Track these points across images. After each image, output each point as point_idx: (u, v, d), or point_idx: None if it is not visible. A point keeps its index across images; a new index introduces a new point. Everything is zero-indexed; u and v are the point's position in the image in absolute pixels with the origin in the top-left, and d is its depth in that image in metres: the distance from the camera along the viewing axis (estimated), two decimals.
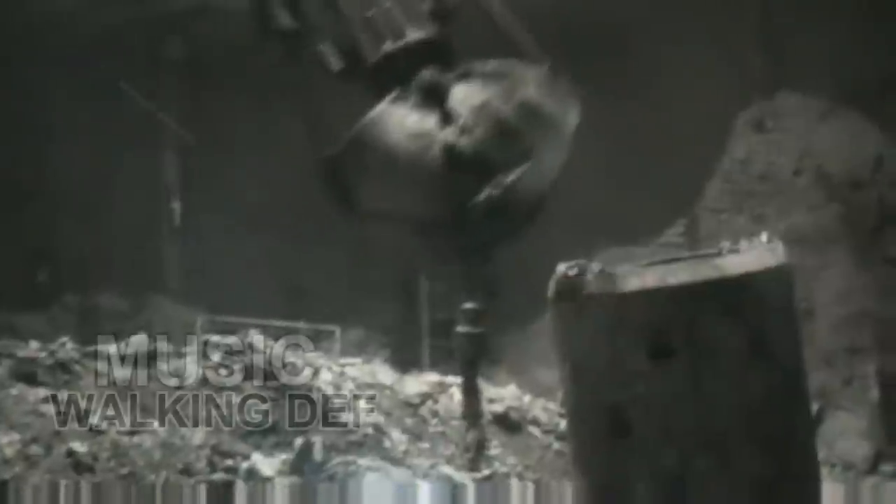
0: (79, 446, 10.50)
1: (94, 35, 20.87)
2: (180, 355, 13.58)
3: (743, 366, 5.98)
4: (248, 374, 12.71)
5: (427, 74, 8.76)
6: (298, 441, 10.03)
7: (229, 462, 10.61)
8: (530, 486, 9.56)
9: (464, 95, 8.64)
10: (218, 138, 22.26)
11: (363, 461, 9.70)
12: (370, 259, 21.00)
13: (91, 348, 13.31)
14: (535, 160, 8.40)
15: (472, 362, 11.67)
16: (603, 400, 6.06)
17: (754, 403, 6.00)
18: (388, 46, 9.08)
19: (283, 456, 10.05)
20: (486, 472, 11.46)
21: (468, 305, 11.63)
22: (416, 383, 13.44)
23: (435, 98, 8.65)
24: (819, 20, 18.37)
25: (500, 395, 14.13)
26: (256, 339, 13.66)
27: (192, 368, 12.93)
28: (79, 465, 10.30)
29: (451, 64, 8.62)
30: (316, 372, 12.74)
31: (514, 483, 10.63)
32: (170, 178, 23.01)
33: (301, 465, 9.56)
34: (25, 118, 21.29)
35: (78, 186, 21.79)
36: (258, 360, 12.89)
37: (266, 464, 9.50)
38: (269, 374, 12.64)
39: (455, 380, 12.98)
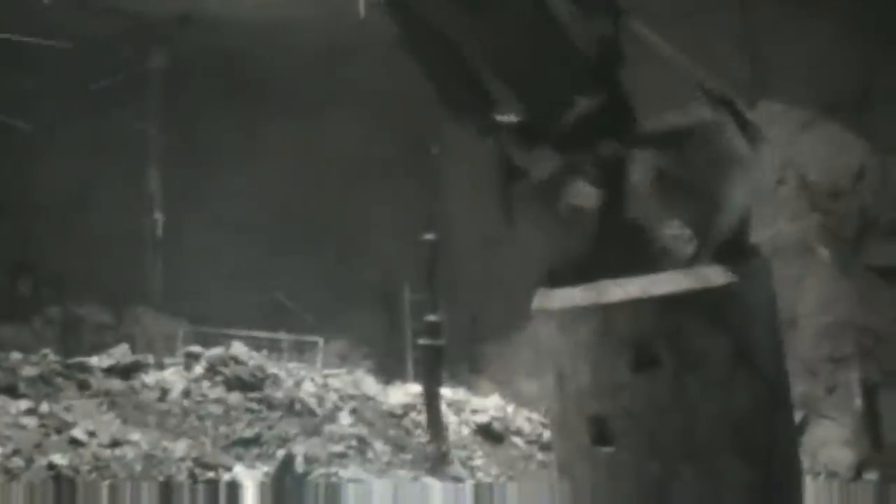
0: (60, 459, 10.45)
1: (78, 45, 20.81)
2: (163, 367, 13.54)
3: (726, 375, 5.97)
4: (231, 385, 12.67)
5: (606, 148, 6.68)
6: (281, 452, 10.01)
7: (211, 474, 10.58)
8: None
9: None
10: (201, 149, 22.23)
11: (345, 473, 9.68)
12: (353, 270, 20.98)
13: (73, 360, 13.27)
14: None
15: (433, 373, 11.68)
16: (587, 410, 6.05)
17: (738, 413, 6.00)
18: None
19: (266, 468, 10.02)
20: (470, 482, 11.45)
21: (428, 318, 11.64)
22: (399, 394, 13.43)
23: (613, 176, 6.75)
24: (801, 31, 18.42)
25: (484, 405, 14.13)
26: (239, 350, 13.63)
27: (174, 380, 12.90)
28: (60, 478, 10.26)
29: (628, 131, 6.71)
30: (299, 383, 12.71)
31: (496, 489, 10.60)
32: (152, 190, 22.96)
33: (283, 476, 9.53)
34: (7, 129, 21.23)
35: (60, 197, 21.74)
36: (241, 371, 12.85)
37: (248, 475, 9.46)
38: (251, 386, 12.61)
39: (440, 391, 12.98)
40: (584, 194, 6.18)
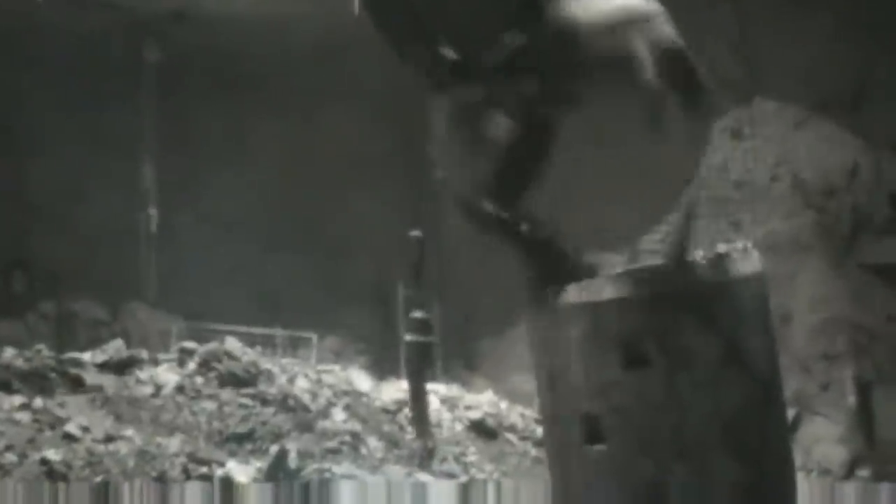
0: (53, 454, 10.45)
1: (72, 41, 20.81)
2: (157, 362, 13.54)
3: (718, 374, 5.99)
4: (224, 380, 12.67)
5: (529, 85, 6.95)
6: (274, 448, 10.01)
7: (204, 469, 10.58)
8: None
9: None
10: (195, 145, 22.23)
11: (338, 469, 9.69)
12: (347, 266, 20.99)
13: (67, 355, 13.27)
14: None
15: (419, 370, 11.72)
16: (578, 408, 6.06)
17: (730, 411, 6.01)
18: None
19: (259, 463, 10.02)
20: (461, 480, 11.45)
21: (415, 314, 11.68)
22: (392, 390, 13.43)
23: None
24: (795, 28, 18.43)
25: (477, 401, 14.14)
26: (233, 345, 13.63)
27: (168, 375, 12.90)
28: (53, 474, 10.26)
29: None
30: (292, 379, 12.72)
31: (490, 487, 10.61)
32: (146, 186, 22.95)
33: (276, 472, 9.54)
34: (1, 124, 21.22)
35: (54, 192, 21.73)
36: (234, 366, 12.86)
37: (241, 471, 9.47)
38: (245, 381, 12.62)
39: (433, 387, 13.00)
40: (500, 126, 6.38)
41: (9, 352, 13.03)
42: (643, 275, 6.12)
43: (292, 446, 10.16)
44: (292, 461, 9.56)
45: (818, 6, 18.43)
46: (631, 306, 5.94)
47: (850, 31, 18.35)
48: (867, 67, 18.48)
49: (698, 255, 6.15)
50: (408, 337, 11.82)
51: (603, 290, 6.01)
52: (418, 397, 11.81)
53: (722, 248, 6.19)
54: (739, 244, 6.27)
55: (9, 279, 21.55)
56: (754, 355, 6.12)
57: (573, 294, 6.05)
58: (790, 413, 13.88)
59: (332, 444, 10.57)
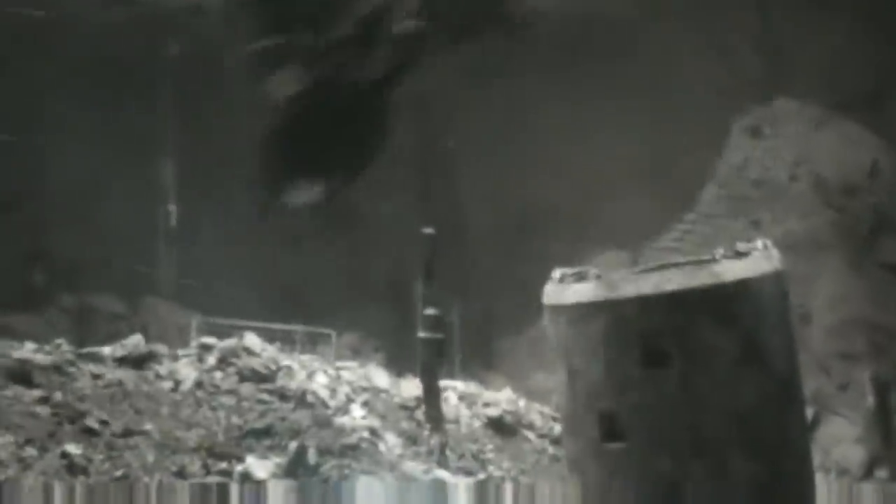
0: (73, 448, 10.48)
1: (93, 35, 20.86)
2: (176, 358, 13.57)
3: (737, 372, 5.98)
4: (244, 376, 12.70)
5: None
6: (293, 444, 10.02)
7: (223, 464, 10.60)
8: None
9: None
10: (215, 140, 22.27)
11: (357, 465, 9.69)
12: (365, 263, 21.03)
13: (87, 350, 13.31)
14: None
15: (432, 367, 11.74)
16: (597, 406, 6.06)
17: (748, 409, 6.00)
18: None
19: (278, 459, 10.03)
20: (478, 477, 11.46)
21: (429, 311, 11.71)
22: (411, 386, 13.42)
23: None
24: (816, 28, 18.42)
25: (496, 398, 14.14)
26: (252, 341, 13.66)
27: (187, 371, 12.93)
28: (73, 467, 10.29)
29: None
30: (311, 375, 12.73)
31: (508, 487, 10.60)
32: (166, 181, 23.00)
33: (295, 468, 9.56)
34: (23, 120, 21.29)
35: (74, 188, 21.79)
36: (253, 362, 12.88)
37: (260, 466, 9.49)
38: (264, 377, 12.64)
39: (451, 383, 13.00)
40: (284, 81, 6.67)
41: (29, 346, 13.07)
42: (663, 273, 6.11)
43: (311, 442, 10.15)
44: (311, 457, 9.57)
45: (839, 7, 18.41)
46: (650, 304, 5.94)
47: (872, 30, 18.32)
48: (888, 67, 18.45)
49: (718, 253, 6.15)
50: (421, 334, 11.84)
51: (623, 288, 6.01)
52: (432, 394, 11.82)
53: (741, 246, 6.19)
54: (759, 242, 6.27)
55: (29, 273, 21.61)
56: (774, 354, 6.11)
57: (593, 292, 6.05)
58: (809, 413, 13.85)
59: (350, 440, 10.59)
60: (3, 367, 11.83)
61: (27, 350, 12.69)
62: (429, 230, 12.49)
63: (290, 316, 20.08)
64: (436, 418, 11.69)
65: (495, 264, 19.96)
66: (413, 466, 10.26)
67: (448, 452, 11.61)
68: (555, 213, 20.54)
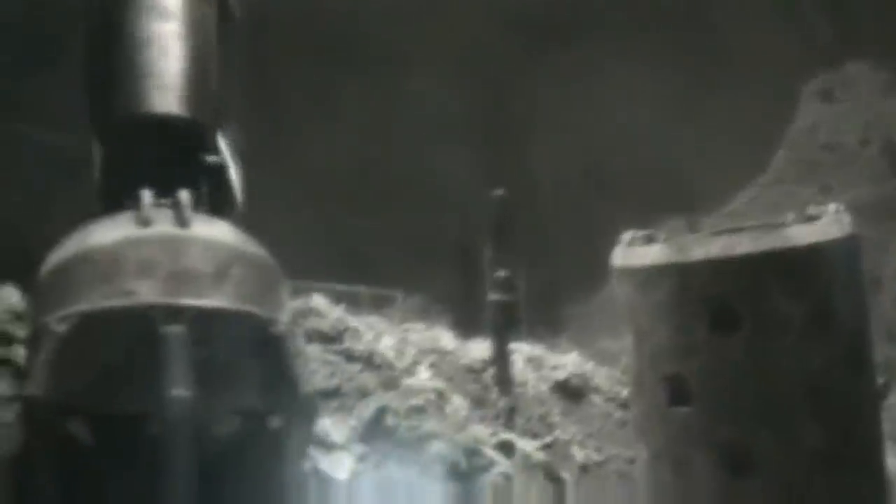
0: None
1: None
2: None
3: (806, 337, 5.94)
4: (311, 337, 12.76)
5: None
6: (361, 405, 10.04)
7: None
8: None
9: None
10: (281, 103, 22.35)
11: (428, 426, 9.71)
12: (432, 225, 21.07)
13: None
14: None
15: (502, 329, 11.74)
16: (664, 369, 6.05)
17: (817, 375, 5.96)
18: None
19: (352, 421, 10.02)
20: (545, 440, 11.48)
21: (499, 273, 11.69)
22: (477, 349, 13.43)
23: None
24: None
25: (563, 362, 14.12)
26: (319, 302, 13.71)
27: None
28: None
29: None
30: (378, 336, 12.76)
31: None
32: (232, 143, 23.10)
33: (373, 430, 9.56)
34: None
35: None
36: (320, 323, 12.92)
37: (336, 430, 9.49)
38: (331, 338, 12.69)
39: (518, 346, 12.99)
40: None
41: None
42: (732, 237, 6.07)
43: (386, 404, 10.15)
44: (389, 419, 9.59)
45: None
46: (719, 268, 5.91)
47: None
48: None
49: (789, 217, 6.10)
50: (492, 296, 11.85)
51: (692, 251, 5.98)
52: (501, 356, 11.83)
53: (812, 210, 6.13)
54: (831, 207, 6.21)
55: None
56: (843, 319, 6.06)
57: (662, 254, 6.03)
58: (878, 380, 13.76)
59: (417, 401, 10.62)
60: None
61: None
62: (499, 191, 12.47)
63: (355, 278, 20.17)
64: (504, 381, 11.70)
65: (564, 228, 19.95)
66: (480, 429, 10.28)
67: (515, 416, 11.63)
68: (624, 178, 20.49)
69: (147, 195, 6.20)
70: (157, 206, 6.20)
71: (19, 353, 8.92)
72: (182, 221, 6.12)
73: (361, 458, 8.97)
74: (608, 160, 20.67)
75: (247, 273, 6.15)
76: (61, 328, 5.65)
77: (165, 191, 6.34)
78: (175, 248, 5.96)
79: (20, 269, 11.28)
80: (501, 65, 20.47)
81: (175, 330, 5.60)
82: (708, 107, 20.49)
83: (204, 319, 5.77)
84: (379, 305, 19.08)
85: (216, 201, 7.14)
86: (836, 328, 6.03)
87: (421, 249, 21.57)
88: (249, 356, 5.93)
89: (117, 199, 6.43)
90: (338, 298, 14.15)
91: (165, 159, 6.86)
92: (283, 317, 6.25)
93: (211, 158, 7.21)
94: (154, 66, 6.89)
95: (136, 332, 5.70)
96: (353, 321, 12.76)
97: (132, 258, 5.84)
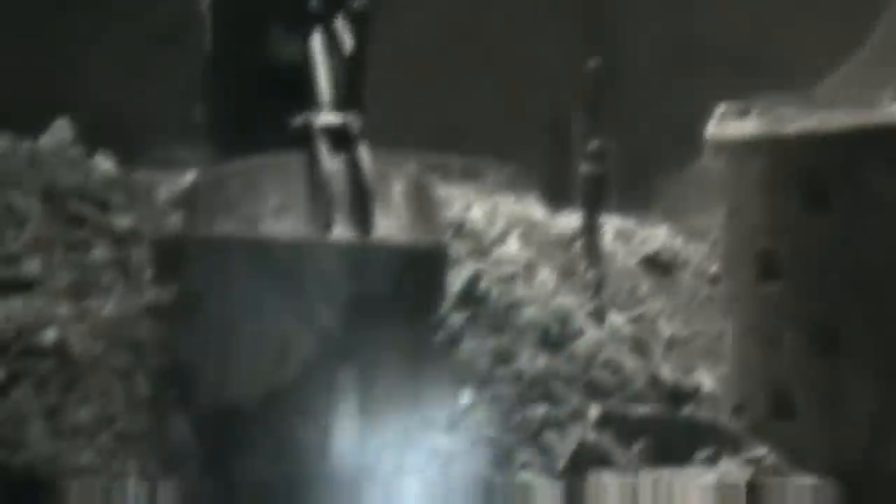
0: None
1: None
2: None
3: None
4: None
5: None
6: (454, 272, 10.03)
7: None
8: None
9: None
10: None
11: (520, 293, 9.72)
12: (523, 95, 20.97)
13: None
14: None
15: (594, 201, 11.67)
16: (756, 245, 6.02)
17: None
18: None
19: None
20: (632, 313, 11.48)
21: (592, 145, 11.60)
22: (567, 221, 13.40)
23: None
24: None
25: (652, 236, 14.05)
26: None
27: None
28: None
29: None
30: (468, 205, 12.78)
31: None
32: None
33: (469, 295, 9.57)
34: None
35: None
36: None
37: None
38: None
39: (607, 219, 12.94)
40: None
41: (189, 176, 13.27)
42: (829, 112, 5.99)
43: (481, 270, 10.15)
44: (483, 284, 9.61)
45: None
46: (815, 143, 5.84)
47: None
48: None
49: (888, 94, 6.00)
50: (584, 167, 11.78)
51: (787, 125, 5.91)
52: (592, 228, 11.78)
53: None
54: None
55: (190, 107, 21.89)
56: None
57: (757, 127, 5.96)
58: None
59: (506, 271, 10.63)
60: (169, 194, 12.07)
61: (189, 179, 12.92)
62: (594, 62, 12.33)
63: (446, 147, 20.15)
64: (593, 253, 11.66)
65: (657, 100, 19.74)
66: (568, 300, 10.28)
67: (603, 288, 11.62)
68: (719, 50, 20.21)
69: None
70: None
71: (115, 219, 9.05)
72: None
73: (454, 325, 9.01)
74: (702, 32, 20.37)
75: None
76: None
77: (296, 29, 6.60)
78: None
79: (113, 138, 11.39)
80: None
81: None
82: None
83: None
84: (469, 175, 19.08)
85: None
86: None
87: (512, 120, 21.48)
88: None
89: (235, 59, 6.58)
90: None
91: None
92: None
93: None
94: None
95: None
96: (443, 190, 12.77)
97: None
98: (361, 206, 7.16)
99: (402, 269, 6.71)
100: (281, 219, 6.90)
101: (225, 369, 6.83)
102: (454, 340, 8.50)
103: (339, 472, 6.67)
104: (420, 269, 6.97)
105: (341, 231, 7.01)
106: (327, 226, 6.98)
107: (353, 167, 7.34)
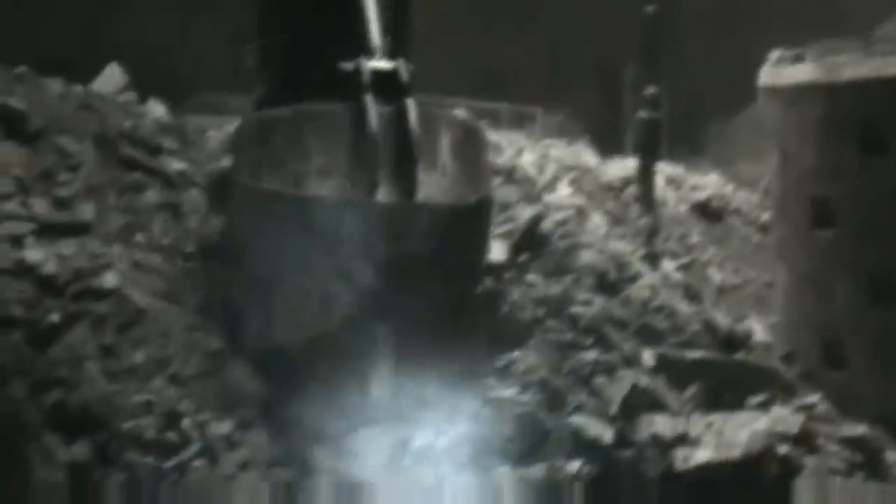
0: None
1: None
2: None
3: None
4: None
5: None
6: (527, 212, 9.99)
7: None
8: None
9: None
10: None
11: (580, 238, 9.69)
12: (572, 44, 20.86)
13: None
14: None
15: (649, 147, 11.58)
16: (809, 191, 5.99)
17: None
18: None
19: (506, 227, 10.01)
20: (683, 260, 11.45)
21: (648, 91, 11.50)
22: (618, 167, 13.34)
23: None
24: None
25: (703, 183, 13.98)
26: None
27: None
28: None
29: None
30: (519, 152, 12.74)
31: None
32: None
33: (530, 240, 9.53)
34: None
35: None
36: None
37: (496, 248, 9.45)
38: None
39: (659, 166, 12.87)
40: None
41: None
42: (885, 59, 5.95)
43: (542, 213, 10.11)
44: (543, 227, 9.58)
45: None
46: (870, 90, 5.80)
47: None
48: None
49: None
50: (640, 114, 11.67)
51: (842, 71, 5.87)
52: (646, 175, 11.69)
53: None
54: None
55: (239, 54, 21.87)
56: None
57: (811, 74, 5.93)
58: None
59: (558, 216, 10.59)
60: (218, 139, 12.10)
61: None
62: (651, 7, 12.21)
63: (496, 95, 20.06)
64: (647, 200, 11.59)
65: (709, 47, 19.59)
66: (620, 246, 10.25)
67: (656, 235, 11.58)
68: None
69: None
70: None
71: (166, 163, 9.11)
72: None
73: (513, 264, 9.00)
74: None
75: None
76: None
77: None
78: None
79: (164, 86, 11.42)
80: None
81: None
82: None
83: None
84: (519, 122, 19.02)
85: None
86: None
87: (562, 67, 21.39)
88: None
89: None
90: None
91: None
92: None
93: None
94: None
95: None
96: (494, 136, 12.73)
97: None
98: (406, 167, 7.20)
99: (443, 231, 6.75)
100: (325, 179, 7.00)
101: (269, 314, 6.93)
102: (500, 292, 8.50)
103: (379, 420, 6.76)
104: (461, 229, 7.03)
105: (384, 193, 7.06)
106: (371, 187, 7.04)
107: (401, 121, 7.35)
